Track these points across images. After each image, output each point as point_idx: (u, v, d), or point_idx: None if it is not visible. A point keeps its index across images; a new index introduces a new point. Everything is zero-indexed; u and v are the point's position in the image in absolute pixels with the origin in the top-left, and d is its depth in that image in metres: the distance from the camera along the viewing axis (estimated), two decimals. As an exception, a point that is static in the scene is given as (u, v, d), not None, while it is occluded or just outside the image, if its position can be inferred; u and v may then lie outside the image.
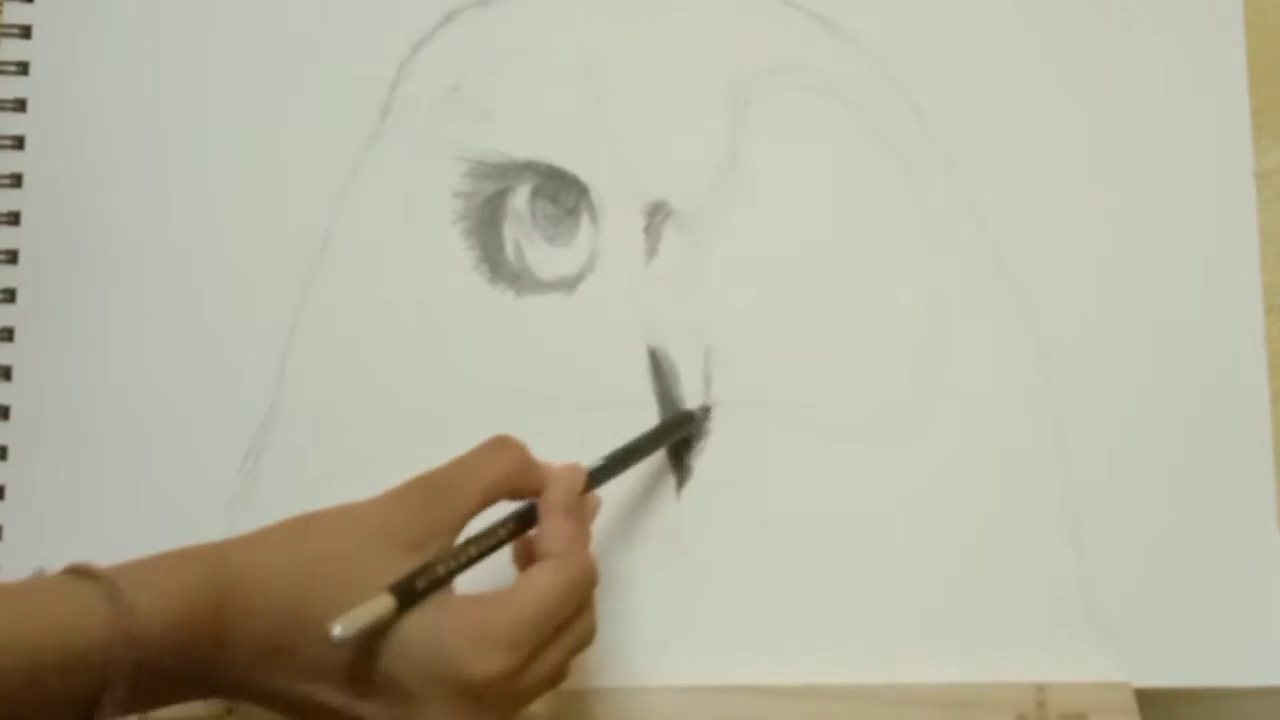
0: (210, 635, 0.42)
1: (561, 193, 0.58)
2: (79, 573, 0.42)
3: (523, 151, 0.58)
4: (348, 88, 0.59)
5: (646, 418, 0.56)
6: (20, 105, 0.59)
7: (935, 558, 0.56)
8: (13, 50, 0.59)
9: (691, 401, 0.57)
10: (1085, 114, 0.59)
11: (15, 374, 0.57)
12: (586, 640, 0.47)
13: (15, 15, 0.59)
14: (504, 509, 0.47)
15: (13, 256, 0.58)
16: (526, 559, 0.48)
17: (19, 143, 0.59)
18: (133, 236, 0.58)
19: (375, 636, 0.42)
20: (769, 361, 0.57)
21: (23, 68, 0.59)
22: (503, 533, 0.46)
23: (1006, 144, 0.58)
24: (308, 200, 0.58)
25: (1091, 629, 0.55)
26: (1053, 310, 0.57)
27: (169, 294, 0.58)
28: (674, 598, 0.56)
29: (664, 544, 0.56)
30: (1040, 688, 0.54)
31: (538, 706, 0.47)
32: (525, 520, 0.47)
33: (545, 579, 0.45)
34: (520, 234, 0.58)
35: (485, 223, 0.58)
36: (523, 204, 0.58)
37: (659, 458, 0.56)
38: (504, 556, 0.47)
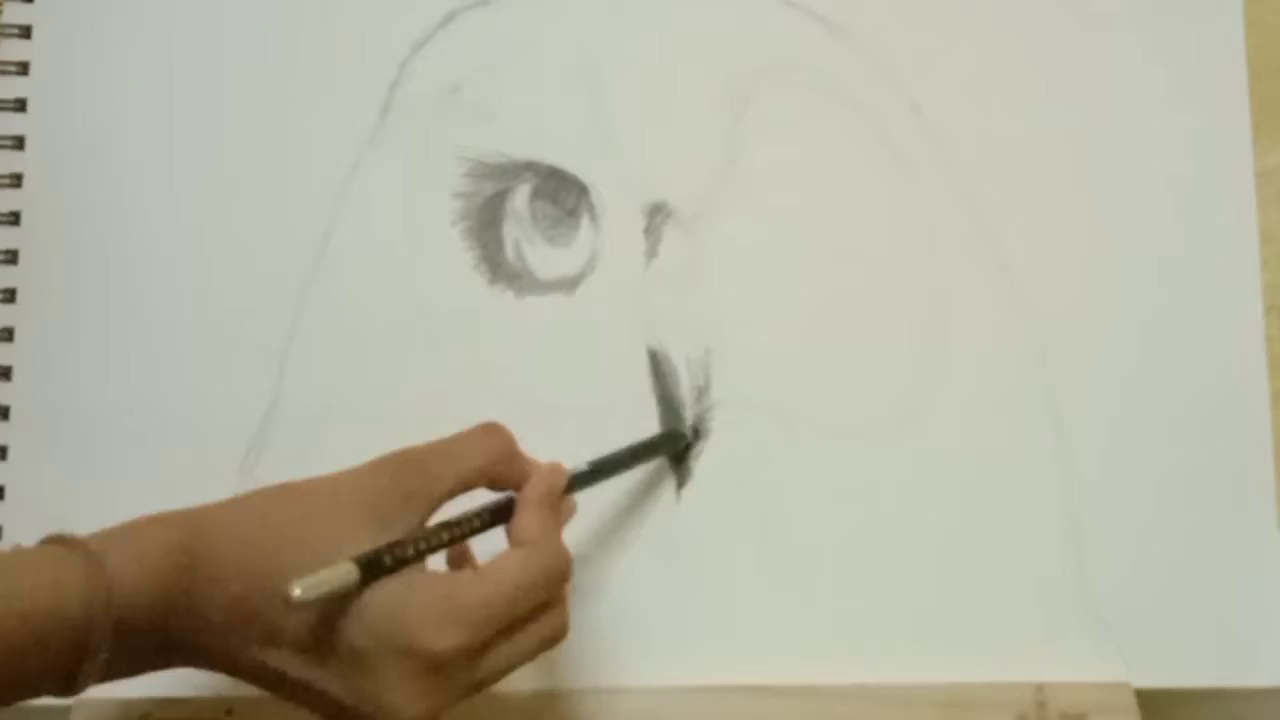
0: (184, 601, 0.42)
1: (561, 193, 0.58)
2: (55, 541, 0.42)
3: (523, 152, 0.58)
4: (348, 88, 0.59)
5: (646, 418, 0.56)
6: (20, 105, 0.59)
7: (935, 557, 0.56)
8: (13, 50, 0.59)
9: (691, 403, 0.57)
10: (1085, 114, 0.59)
11: (15, 374, 0.57)
12: (556, 637, 0.47)
13: (15, 15, 0.59)
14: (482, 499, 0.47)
15: (13, 256, 0.58)
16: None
17: (19, 143, 0.59)
18: (133, 236, 0.58)
19: (340, 607, 0.42)
20: (769, 361, 0.57)
21: (23, 68, 0.59)
22: (477, 522, 0.46)
23: (1005, 143, 0.58)
24: (308, 200, 0.58)
25: (1091, 629, 0.55)
26: (1052, 309, 0.57)
27: (169, 294, 0.58)
28: (674, 598, 0.56)
29: (664, 544, 0.56)
30: (1040, 688, 0.54)
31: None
32: (502, 512, 0.47)
33: (515, 564, 0.45)
34: (520, 234, 0.58)
35: (485, 223, 0.58)
36: (523, 204, 0.58)
37: (659, 458, 0.56)
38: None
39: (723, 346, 0.57)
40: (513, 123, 0.58)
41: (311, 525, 0.43)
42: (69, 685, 0.41)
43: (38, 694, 0.41)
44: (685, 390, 0.57)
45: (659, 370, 0.57)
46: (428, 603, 0.42)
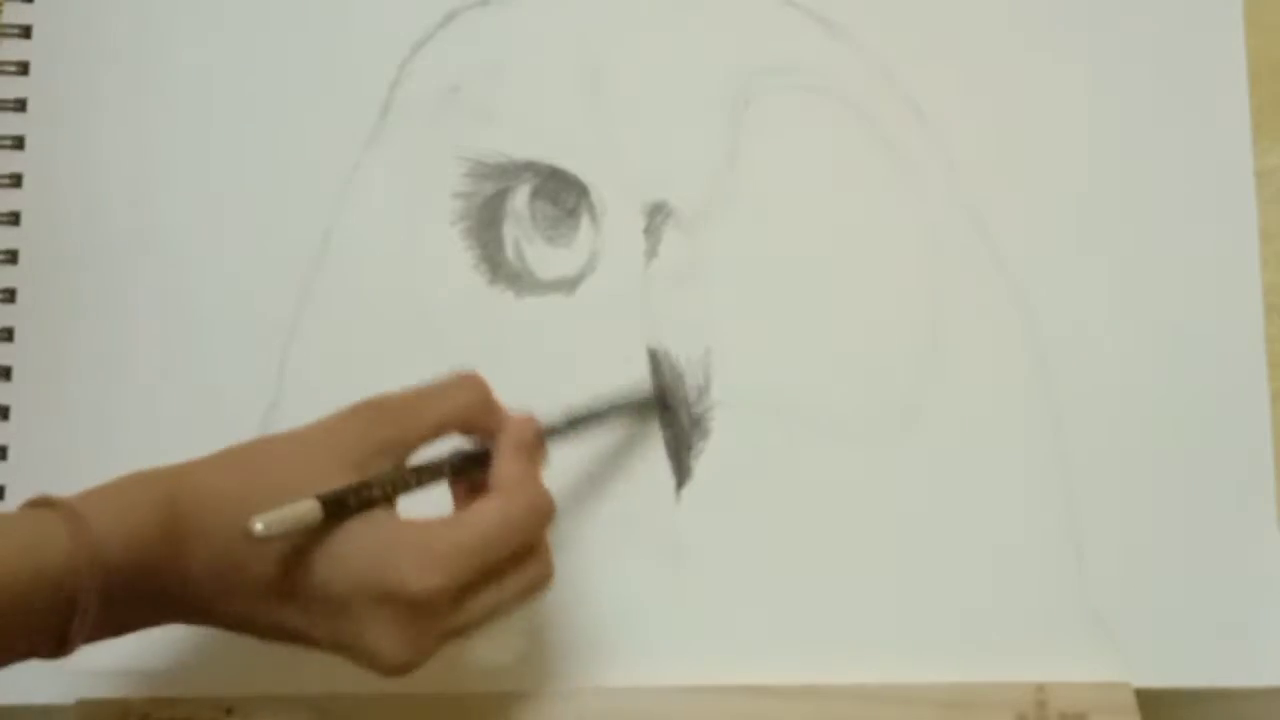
0: (169, 556, 0.43)
1: (561, 193, 0.58)
2: (38, 503, 0.43)
3: (523, 152, 0.58)
4: (348, 88, 0.59)
5: (647, 418, 0.56)
6: (20, 105, 0.59)
7: (935, 557, 0.56)
8: (13, 50, 0.59)
9: (694, 403, 0.57)
10: (1085, 113, 0.59)
11: (15, 374, 0.57)
12: (539, 584, 0.47)
13: (15, 15, 0.59)
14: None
15: (13, 256, 0.58)
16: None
17: (19, 143, 0.59)
18: (132, 236, 0.58)
19: (321, 553, 0.42)
20: (769, 361, 0.57)
21: (23, 68, 0.59)
22: (447, 468, 0.47)
23: (1006, 144, 0.58)
24: (308, 200, 0.58)
25: (1091, 629, 0.55)
26: (1052, 310, 0.57)
27: (168, 294, 0.58)
28: (673, 598, 0.56)
29: (663, 544, 0.56)
30: (1040, 688, 0.54)
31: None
32: (474, 460, 0.47)
33: (494, 506, 0.45)
34: (520, 234, 0.58)
35: (485, 223, 0.58)
36: (523, 204, 0.58)
37: (658, 458, 0.56)
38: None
39: (723, 346, 0.57)
40: (513, 123, 0.58)
41: (288, 474, 0.44)
42: (59, 647, 0.42)
43: (27, 656, 0.42)
44: (685, 390, 0.57)
45: (659, 370, 0.57)
46: (408, 546, 0.43)
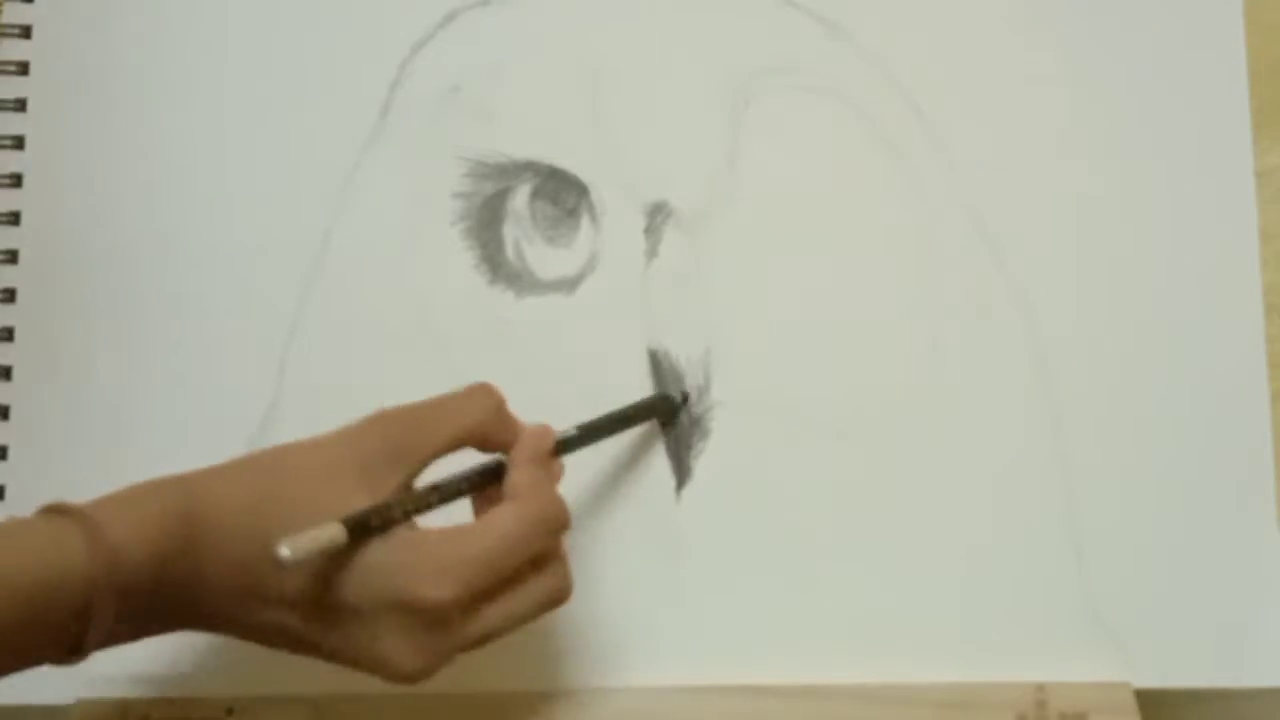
0: (185, 565, 0.43)
1: (561, 193, 0.58)
2: (53, 510, 0.43)
3: (523, 152, 0.58)
4: (348, 88, 0.59)
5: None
6: (20, 105, 0.59)
7: (935, 557, 0.56)
8: (13, 50, 0.59)
9: (694, 403, 0.57)
10: (1085, 113, 0.59)
11: (15, 374, 0.57)
12: (555, 597, 0.46)
13: (15, 15, 0.59)
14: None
15: (13, 256, 0.58)
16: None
17: (19, 143, 0.59)
18: (132, 236, 0.58)
19: (335, 565, 0.42)
20: (769, 361, 0.57)
21: (23, 68, 0.59)
22: (465, 485, 0.47)
23: (1006, 144, 0.58)
24: (308, 200, 0.58)
25: (1091, 629, 0.55)
26: (1052, 310, 0.57)
27: (169, 294, 0.58)
28: (674, 598, 0.56)
29: (663, 544, 0.56)
30: (1040, 688, 0.54)
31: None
32: (491, 475, 0.47)
33: (508, 514, 0.45)
34: (520, 234, 0.58)
35: (485, 223, 0.58)
36: (523, 204, 0.58)
37: (658, 458, 0.56)
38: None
39: (723, 346, 0.57)
40: (513, 123, 0.58)
41: (304, 486, 0.44)
42: (72, 653, 0.42)
43: (41, 662, 0.42)
44: (685, 390, 0.57)
45: (659, 370, 0.57)
46: (420, 559, 0.43)
